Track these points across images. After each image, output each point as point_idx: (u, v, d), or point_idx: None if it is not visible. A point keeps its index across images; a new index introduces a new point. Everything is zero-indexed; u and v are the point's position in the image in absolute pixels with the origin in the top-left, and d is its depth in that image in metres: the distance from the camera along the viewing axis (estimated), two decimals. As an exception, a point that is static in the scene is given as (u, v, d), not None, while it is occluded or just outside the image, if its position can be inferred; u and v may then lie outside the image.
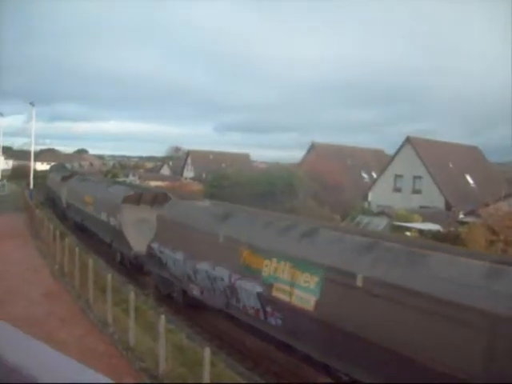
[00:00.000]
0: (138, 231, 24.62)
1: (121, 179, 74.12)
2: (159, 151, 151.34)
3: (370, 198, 53.33)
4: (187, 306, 19.72)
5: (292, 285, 13.77)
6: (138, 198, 26.98)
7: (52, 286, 22.28)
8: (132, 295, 15.96)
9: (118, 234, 26.61)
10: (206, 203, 22.99)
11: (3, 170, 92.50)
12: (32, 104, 64.49)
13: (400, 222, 34.16)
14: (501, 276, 9.52)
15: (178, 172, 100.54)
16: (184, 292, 19.68)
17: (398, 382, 10.45)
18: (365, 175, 66.35)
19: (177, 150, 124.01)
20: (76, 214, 37.79)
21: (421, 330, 10.17)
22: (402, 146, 52.15)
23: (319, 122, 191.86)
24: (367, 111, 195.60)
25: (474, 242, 27.67)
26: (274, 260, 14.57)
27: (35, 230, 35.65)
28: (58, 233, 27.43)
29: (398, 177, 51.96)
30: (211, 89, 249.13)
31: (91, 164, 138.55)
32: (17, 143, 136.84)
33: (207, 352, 11.90)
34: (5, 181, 78.73)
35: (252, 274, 15.34)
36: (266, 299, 14.76)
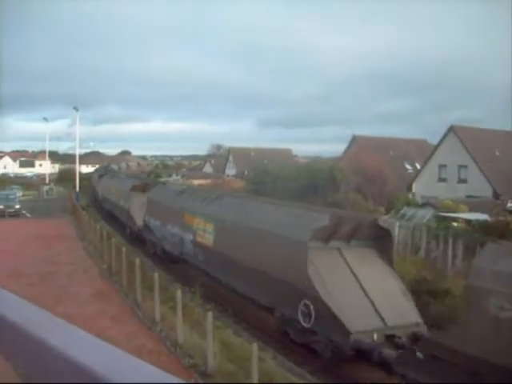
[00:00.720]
0: (142, 211, 31.88)
1: (163, 179, 75.22)
2: (201, 150, 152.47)
3: (414, 189, 52.49)
4: (170, 261, 27.13)
5: (204, 231, 22.16)
6: (144, 186, 35.46)
7: (101, 286, 22.72)
8: (179, 293, 16.14)
9: (128, 214, 35.08)
10: (180, 187, 32.14)
11: (50, 174, 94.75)
12: (76, 109, 65.75)
13: (446, 212, 33.54)
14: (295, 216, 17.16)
15: (220, 170, 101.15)
16: (163, 249, 27.88)
17: (249, 282, 18.34)
18: (408, 166, 65.39)
19: (218, 147, 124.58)
20: (107, 204, 46.75)
21: (255, 250, 17.94)
22: (445, 135, 51.10)
23: (359, 114, 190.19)
24: (406, 101, 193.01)
25: (524, 230, 26.96)
26: (197, 217, 23.15)
27: (82, 231, 36.41)
28: (104, 233, 27.96)
29: (442, 167, 50.95)
30: (250, 85, 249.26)
31: (139, 164, 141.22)
32: (62, 147, 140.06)
33: (255, 348, 11.94)
34: (52, 184, 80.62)
35: (188, 228, 23.79)
36: (195, 243, 23.06)
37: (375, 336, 13.82)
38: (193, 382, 13.18)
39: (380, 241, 16.57)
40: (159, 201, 29.11)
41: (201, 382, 13.30)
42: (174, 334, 15.76)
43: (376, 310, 14.49)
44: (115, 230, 38.45)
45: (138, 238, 32.98)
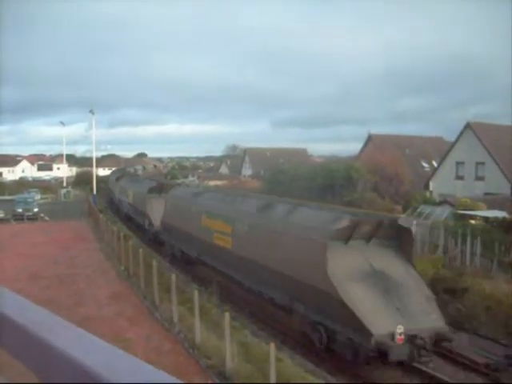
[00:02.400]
0: (118, 192, 52.56)
1: (180, 180, 75.90)
2: (216, 151, 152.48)
3: (431, 187, 52.13)
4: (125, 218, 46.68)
5: (128, 196, 44.62)
6: (121, 177, 56.71)
7: (119, 288, 22.86)
8: (196, 294, 16.19)
9: (114, 195, 57.88)
10: (130, 177, 58.81)
11: (68, 177, 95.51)
12: (92, 112, 66.16)
13: (464, 210, 33.30)
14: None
15: (236, 170, 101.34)
16: (125, 214, 46.71)
17: (139, 217, 40.08)
18: (425, 164, 64.97)
19: (234, 148, 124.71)
20: (110, 192, 64.24)
21: (136, 201, 41.70)
22: (462, 132, 50.65)
23: (375, 113, 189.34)
24: (422, 99, 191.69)
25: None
26: (129, 190, 44.99)
27: (100, 233, 36.67)
28: (122, 235, 28.11)
29: (459, 164, 50.51)
30: (265, 86, 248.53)
31: (164, 166, 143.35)
32: (79, 150, 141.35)
33: (272, 348, 11.94)
34: (69, 187, 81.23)
35: (128, 196, 44.60)
36: (129, 203, 44.25)
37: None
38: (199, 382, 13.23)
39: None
40: (122, 185, 51.06)
41: (210, 382, 13.34)
42: (192, 335, 15.81)
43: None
44: (132, 231, 38.97)
45: (118, 209, 52.48)
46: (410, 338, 13.92)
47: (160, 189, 36.53)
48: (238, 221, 20.91)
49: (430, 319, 14.73)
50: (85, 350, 1.26)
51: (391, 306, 14.63)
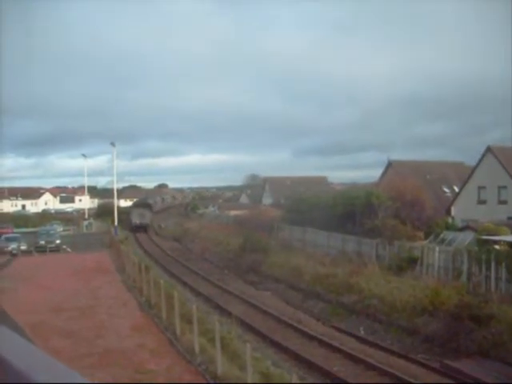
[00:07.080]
0: (136, 214, 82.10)
1: (201, 210, 77.12)
2: (235, 180, 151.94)
3: (453, 213, 51.58)
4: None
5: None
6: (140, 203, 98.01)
7: (140, 319, 22.80)
8: (217, 325, 16.07)
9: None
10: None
11: (89, 209, 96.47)
12: (113, 144, 67.13)
13: (487, 235, 32.81)
14: None
15: (256, 199, 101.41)
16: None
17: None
18: (446, 189, 64.37)
19: (253, 177, 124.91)
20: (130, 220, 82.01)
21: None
22: (482, 156, 50.20)
23: (395, 139, 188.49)
24: (443, 124, 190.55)
25: None
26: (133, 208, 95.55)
27: (121, 265, 36.76)
28: (142, 266, 28.15)
29: (481, 188, 49.98)
30: (289, 114, 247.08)
31: (185, 197, 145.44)
32: (101, 182, 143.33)
33: (295, 379, 11.79)
34: (91, 219, 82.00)
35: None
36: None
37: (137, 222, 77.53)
38: None
39: (148, 206, 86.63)
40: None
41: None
42: (214, 366, 15.64)
43: (141, 219, 76.65)
44: (152, 259, 39.08)
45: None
46: (139, 224, 74.77)
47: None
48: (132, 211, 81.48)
49: (147, 221, 76.27)
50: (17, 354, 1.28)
51: (140, 218, 75.42)
